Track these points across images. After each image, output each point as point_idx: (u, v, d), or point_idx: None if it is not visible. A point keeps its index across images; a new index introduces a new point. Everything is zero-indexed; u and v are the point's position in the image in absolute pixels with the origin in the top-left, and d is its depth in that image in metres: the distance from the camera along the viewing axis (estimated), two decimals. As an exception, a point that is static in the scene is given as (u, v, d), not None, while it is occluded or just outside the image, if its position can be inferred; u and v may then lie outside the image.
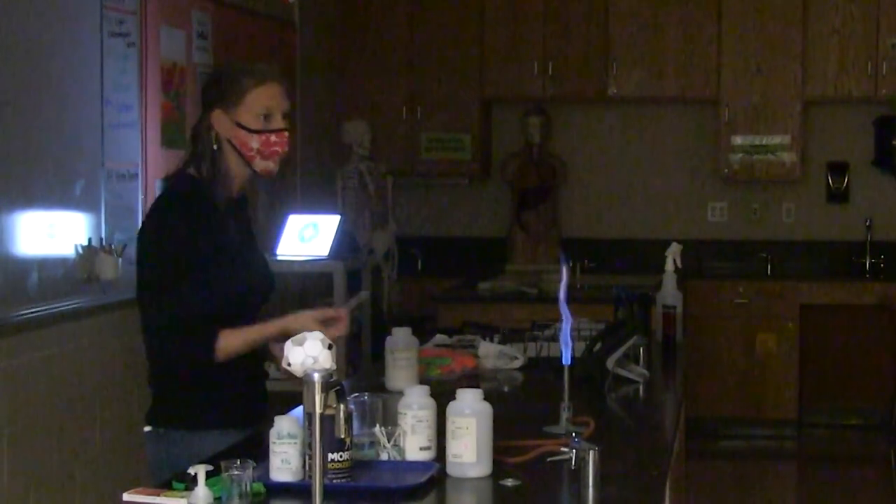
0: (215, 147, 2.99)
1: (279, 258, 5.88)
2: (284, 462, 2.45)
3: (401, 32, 8.04)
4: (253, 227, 3.22)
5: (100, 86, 4.79)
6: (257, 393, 3.15)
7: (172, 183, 3.06)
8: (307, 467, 2.44)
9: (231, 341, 2.95)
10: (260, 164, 3.00)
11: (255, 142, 2.98)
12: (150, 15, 5.15)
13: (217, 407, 3.00)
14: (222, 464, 2.31)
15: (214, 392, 3.00)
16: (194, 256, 2.91)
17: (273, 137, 2.99)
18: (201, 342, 2.91)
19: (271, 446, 2.48)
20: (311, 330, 2.95)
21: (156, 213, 3.01)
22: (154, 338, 2.94)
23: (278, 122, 3.00)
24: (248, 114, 2.97)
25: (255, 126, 2.98)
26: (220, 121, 2.99)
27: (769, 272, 7.98)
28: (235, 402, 3.02)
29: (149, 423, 3.04)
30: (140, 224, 3.16)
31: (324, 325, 2.97)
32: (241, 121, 2.98)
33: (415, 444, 2.61)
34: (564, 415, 2.94)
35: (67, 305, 4.59)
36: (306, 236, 6.04)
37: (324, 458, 2.21)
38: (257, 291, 3.13)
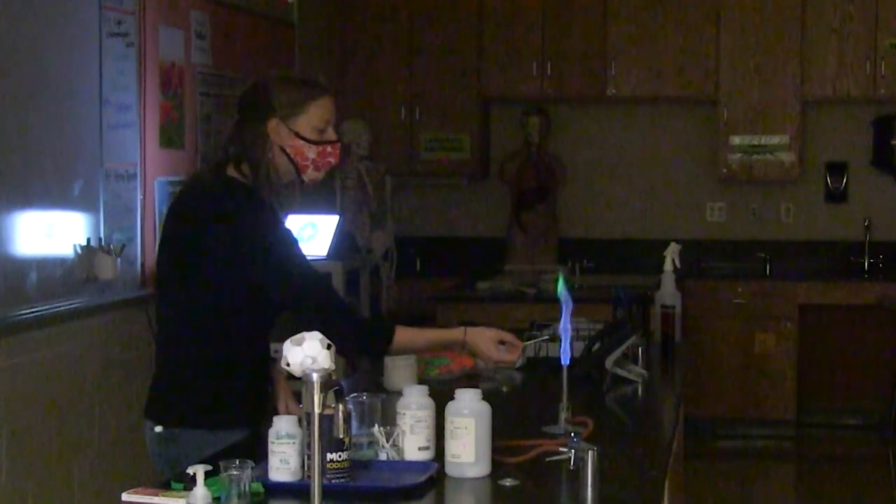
0: (270, 155, 3.01)
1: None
2: (283, 462, 2.45)
3: (399, 32, 8.03)
4: None
5: (98, 86, 4.79)
6: (267, 392, 3.15)
7: (227, 183, 3.00)
8: (306, 467, 2.44)
9: (405, 338, 3.10)
10: (311, 174, 3.06)
11: (312, 152, 3.04)
12: (148, 15, 5.15)
13: (237, 405, 2.99)
14: (221, 464, 2.31)
15: (236, 391, 3.00)
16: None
17: (329, 149, 3.06)
18: (381, 334, 3.09)
19: (270, 446, 2.48)
20: (486, 347, 3.16)
21: (244, 210, 2.96)
22: (328, 327, 2.77)
23: (332, 134, 3.07)
24: (308, 125, 3.02)
25: (314, 137, 3.03)
26: (276, 130, 3.01)
27: (768, 272, 7.97)
28: (253, 400, 3.04)
29: (159, 424, 2.99)
30: (198, 224, 2.96)
31: (499, 346, 3.16)
32: (299, 131, 3.02)
33: (413, 444, 2.61)
34: (563, 415, 2.94)
35: (66, 305, 4.59)
36: (305, 236, 6.04)
37: (322, 458, 2.21)
38: None
